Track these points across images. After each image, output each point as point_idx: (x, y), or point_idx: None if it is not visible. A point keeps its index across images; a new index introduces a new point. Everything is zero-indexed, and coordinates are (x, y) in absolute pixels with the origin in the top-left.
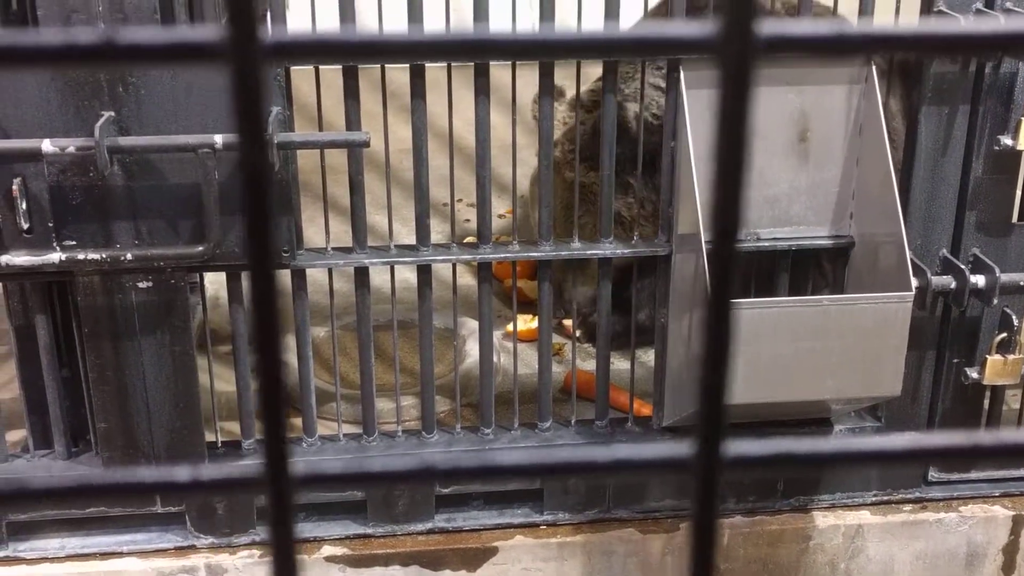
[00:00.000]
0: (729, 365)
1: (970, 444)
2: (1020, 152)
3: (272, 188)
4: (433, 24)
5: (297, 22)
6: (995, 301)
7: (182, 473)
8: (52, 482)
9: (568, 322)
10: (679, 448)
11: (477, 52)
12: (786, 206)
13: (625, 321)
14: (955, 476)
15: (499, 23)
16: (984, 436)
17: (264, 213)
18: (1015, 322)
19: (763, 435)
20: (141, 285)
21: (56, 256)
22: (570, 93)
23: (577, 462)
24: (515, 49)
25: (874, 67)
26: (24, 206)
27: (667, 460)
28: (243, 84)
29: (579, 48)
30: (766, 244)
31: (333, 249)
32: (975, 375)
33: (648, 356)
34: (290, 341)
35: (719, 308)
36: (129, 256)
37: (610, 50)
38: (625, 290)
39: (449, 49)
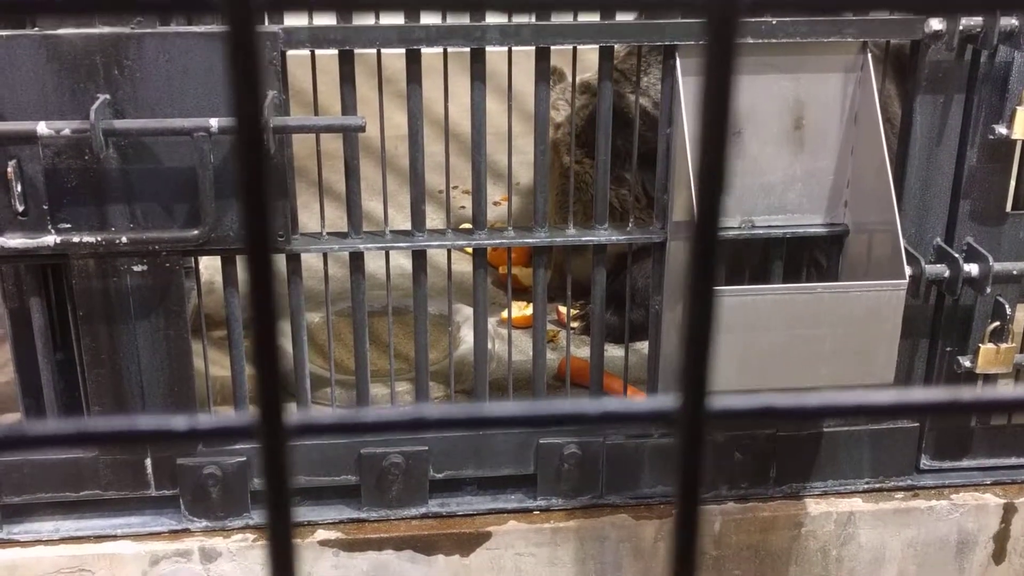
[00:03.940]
0: (713, 315)
1: (951, 399)
2: (1015, 141)
3: (268, 142)
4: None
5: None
6: (988, 290)
7: (179, 422)
8: (50, 429)
9: (563, 309)
10: (665, 401)
11: (472, 4)
12: (781, 194)
13: (621, 315)
14: (947, 464)
15: None
16: (965, 392)
17: (260, 150)
18: (1008, 311)
19: (757, 422)
20: (136, 269)
21: (51, 239)
22: (574, 78)
23: (566, 414)
24: (508, 3)
25: (869, 55)
26: (19, 189)
27: (653, 413)
28: (238, 37)
29: (570, 3)
30: (760, 231)
31: (328, 234)
32: (968, 364)
33: (642, 345)
34: (285, 326)
35: (703, 249)
36: (124, 239)
37: (600, 5)
38: (620, 283)
39: (445, 3)
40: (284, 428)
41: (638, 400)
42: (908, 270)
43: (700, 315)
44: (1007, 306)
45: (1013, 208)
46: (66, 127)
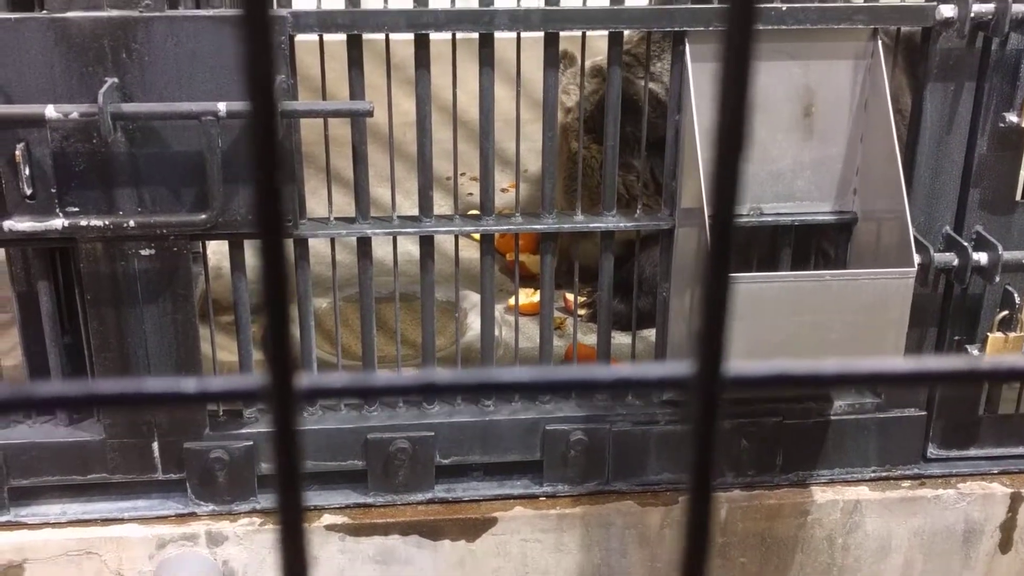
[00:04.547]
0: (729, 283)
1: (967, 368)
2: None
3: (280, 119)
4: None
5: None
6: (997, 279)
7: (189, 384)
8: (57, 390)
9: (570, 296)
10: (679, 367)
11: None
12: (790, 181)
13: (628, 303)
14: (954, 453)
15: None
16: (982, 361)
17: (270, 107)
18: (1017, 300)
19: (763, 409)
20: (144, 252)
21: (59, 222)
22: (583, 63)
23: (578, 380)
24: None
25: (880, 42)
26: (27, 172)
27: (667, 379)
28: (253, 20)
29: None
30: (769, 219)
31: (336, 219)
32: (976, 353)
33: (649, 332)
34: (292, 312)
35: (722, 220)
36: (132, 223)
37: None
38: (627, 271)
39: None
40: (294, 390)
41: (651, 365)
42: (917, 258)
43: (717, 278)
44: (1016, 295)
45: (1023, 197)
46: (74, 110)
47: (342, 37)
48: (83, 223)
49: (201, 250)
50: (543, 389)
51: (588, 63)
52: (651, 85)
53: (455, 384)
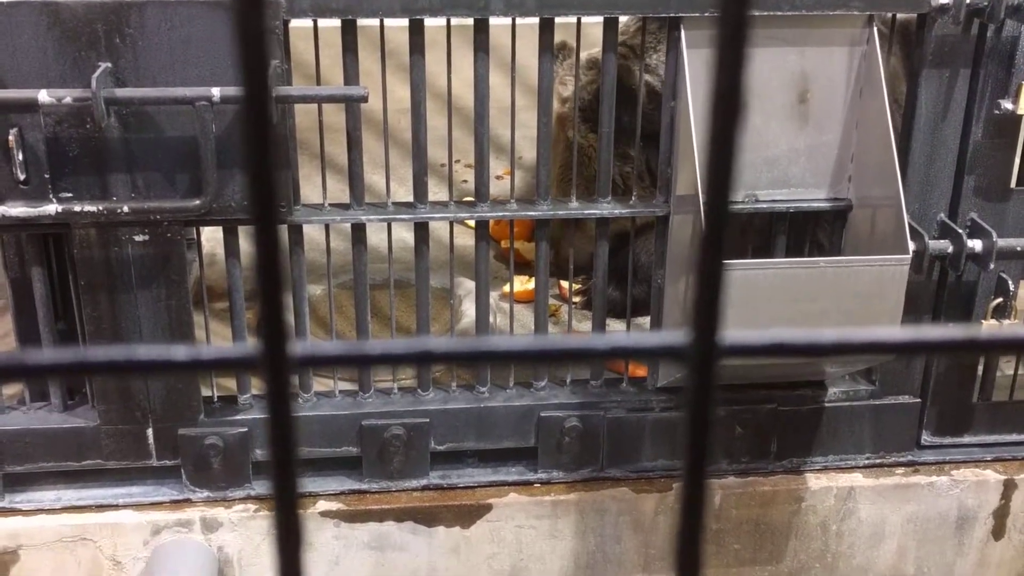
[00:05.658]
0: (725, 248)
1: (967, 338)
2: (1020, 116)
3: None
4: None
5: None
6: (992, 266)
7: (180, 352)
8: (51, 357)
9: (565, 284)
10: (675, 336)
11: None
12: (785, 168)
13: (623, 290)
14: (947, 440)
15: None
16: (980, 331)
17: (263, 71)
18: (1011, 287)
19: (758, 396)
20: (137, 238)
21: (52, 208)
22: (578, 51)
23: (575, 348)
24: None
25: (875, 29)
26: (20, 157)
27: (663, 348)
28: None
29: None
30: (764, 206)
31: (330, 205)
32: None
33: (644, 319)
34: (286, 299)
35: (718, 185)
36: (125, 209)
37: None
38: (622, 259)
39: None
40: (288, 358)
41: (648, 334)
42: (911, 245)
43: (713, 247)
44: (1010, 282)
45: (1018, 184)
46: (67, 95)
47: (336, 23)
48: (77, 208)
49: (195, 236)
50: (541, 358)
51: (584, 55)
52: (647, 77)
53: (451, 352)
